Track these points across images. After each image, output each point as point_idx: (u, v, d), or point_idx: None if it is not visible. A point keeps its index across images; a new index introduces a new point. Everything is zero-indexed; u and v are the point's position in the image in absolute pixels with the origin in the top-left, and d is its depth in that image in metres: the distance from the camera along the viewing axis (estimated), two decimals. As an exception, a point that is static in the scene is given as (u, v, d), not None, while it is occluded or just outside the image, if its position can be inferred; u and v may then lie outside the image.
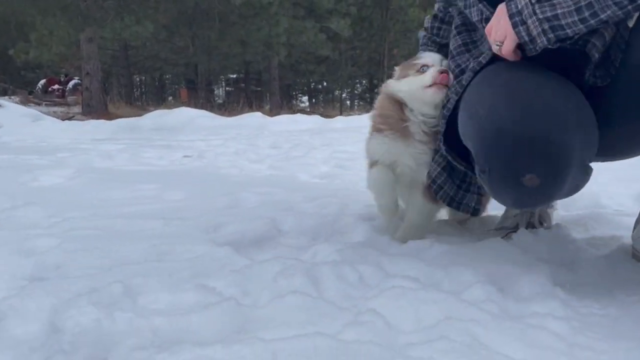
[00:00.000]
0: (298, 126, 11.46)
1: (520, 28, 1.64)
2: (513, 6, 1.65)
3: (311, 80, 36.39)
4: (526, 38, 1.64)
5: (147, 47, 23.50)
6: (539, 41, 1.62)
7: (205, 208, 2.71)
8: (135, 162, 5.71)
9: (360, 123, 11.42)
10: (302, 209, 2.73)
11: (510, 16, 1.65)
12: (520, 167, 1.60)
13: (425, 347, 1.24)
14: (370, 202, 2.91)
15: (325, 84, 37.04)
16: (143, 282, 1.57)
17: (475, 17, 1.89)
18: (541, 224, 2.38)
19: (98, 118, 14.70)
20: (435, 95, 1.95)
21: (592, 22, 1.55)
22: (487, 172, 1.68)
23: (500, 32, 1.70)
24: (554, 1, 1.57)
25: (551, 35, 1.60)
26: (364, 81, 38.39)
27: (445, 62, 2.00)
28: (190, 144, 7.67)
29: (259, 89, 33.76)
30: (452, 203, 2.11)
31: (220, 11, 21.22)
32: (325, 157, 5.55)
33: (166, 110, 13.62)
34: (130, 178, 3.99)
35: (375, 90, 35.18)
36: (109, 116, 15.84)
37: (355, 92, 40.70)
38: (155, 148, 7.13)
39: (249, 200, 2.94)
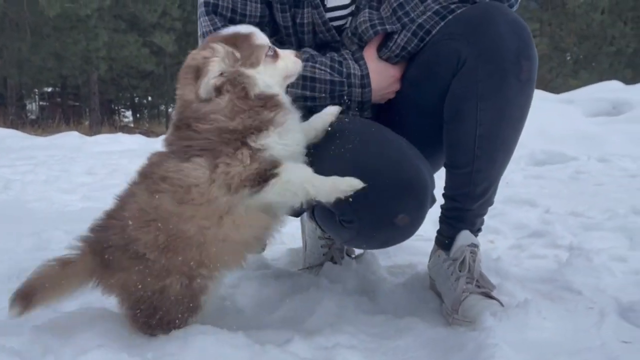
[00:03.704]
0: (119, 147, 10.91)
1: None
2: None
3: (135, 95, 35.06)
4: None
5: (-55, 57, 21.24)
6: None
7: (7, 252, 2.54)
8: None
9: (185, 143, 11.18)
10: (115, 249, 2.64)
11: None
12: (393, 210, 1.75)
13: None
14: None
15: (150, 98, 35.89)
16: None
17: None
18: (349, 255, 2.52)
19: None
20: None
21: None
22: (356, 222, 1.78)
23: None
24: None
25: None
26: (190, 96, 37.75)
27: None
28: (-6, 171, 7.01)
29: (77, 104, 31.89)
30: None
31: (32, 22, 19.87)
32: (146, 184, 5.36)
33: (-33, 131, 12.40)
34: None
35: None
36: None
37: (182, 107, 39.95)
38: (-49, 178, 6.38)
39: (58, 240, 2.79)
